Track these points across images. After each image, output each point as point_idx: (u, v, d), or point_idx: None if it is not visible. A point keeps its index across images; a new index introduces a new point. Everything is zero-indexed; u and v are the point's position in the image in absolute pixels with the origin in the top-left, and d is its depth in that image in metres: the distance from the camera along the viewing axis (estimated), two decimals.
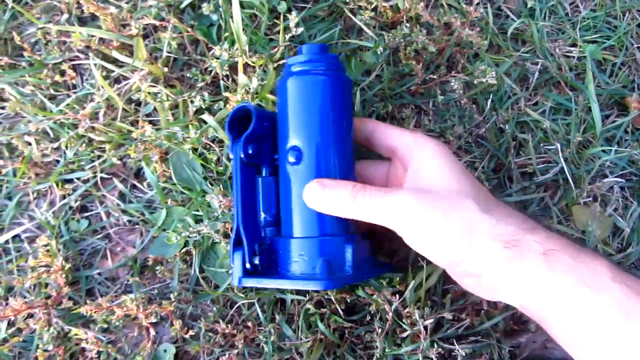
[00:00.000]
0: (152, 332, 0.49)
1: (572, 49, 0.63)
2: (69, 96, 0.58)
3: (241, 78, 0.53)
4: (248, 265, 0.41)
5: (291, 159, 0.41)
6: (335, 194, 0.39)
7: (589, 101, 0.58)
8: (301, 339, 0.50)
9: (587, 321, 0.32)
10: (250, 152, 0.43)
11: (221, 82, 0.56)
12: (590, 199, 0.56)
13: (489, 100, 0.58)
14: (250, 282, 0.40)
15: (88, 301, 0.52)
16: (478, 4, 0.54)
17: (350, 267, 0.40)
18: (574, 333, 0.33)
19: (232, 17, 0.57)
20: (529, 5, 0.64)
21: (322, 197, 0.39)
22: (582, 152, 0.57)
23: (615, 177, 0.57)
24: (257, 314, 0.51)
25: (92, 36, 0.56)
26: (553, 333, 0.36)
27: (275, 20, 0.59)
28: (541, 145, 0.57)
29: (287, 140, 0.42)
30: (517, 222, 0.37)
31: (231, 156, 0.44)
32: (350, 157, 0.44)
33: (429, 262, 0.51)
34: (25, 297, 0.52)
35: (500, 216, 0.37)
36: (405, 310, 0.49)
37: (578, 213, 0.54)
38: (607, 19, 0.65)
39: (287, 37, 0.54)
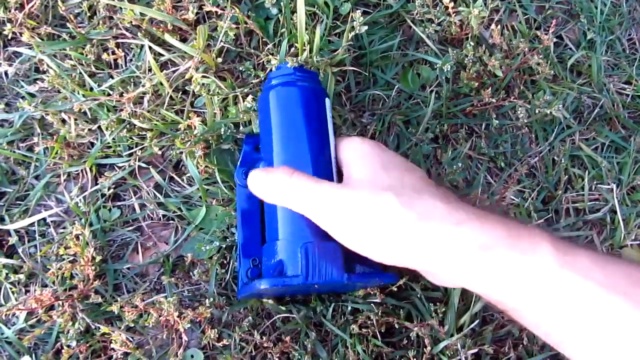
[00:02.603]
0: (185, 337, 0.46)
1: (626, 86, 0.62)
2: (110, 75, 0.54)
3: None
4: (245, 279, 0.44)
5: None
6: (274, 176, 0.37)
7: None
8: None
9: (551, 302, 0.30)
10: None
11: None
12: (637, 242, 0.55)
13: (545, 131, 0.56)
14: (245, 292, 0.41)
15: (116, 297, 0.49)
16: (549, 31, 0.52)
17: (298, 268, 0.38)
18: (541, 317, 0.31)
19: (293, 13, 0.54)
20: (588, 37, 0.63)
21: (262, 179, 0.38)
22: (632, 194, 0.57)
23: None
24: (291, 329, 0.49)
25: (144, 15, 0.53)
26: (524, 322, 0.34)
27: (336, 22, 0.56)
28: (594, 182, 0.56)
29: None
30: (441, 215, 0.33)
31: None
32: (323, 166, 0.42)
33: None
34: (46, 287, 0.49)
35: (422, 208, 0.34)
36: (448, 342, 0.47)
37: (628, 255, 0.53)
38: None
39: (350, 36, 0.52)
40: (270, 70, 0.49)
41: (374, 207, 0.33)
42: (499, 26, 0.54)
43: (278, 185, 0.37)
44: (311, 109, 0.43)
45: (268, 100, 0.44)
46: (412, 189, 0.35)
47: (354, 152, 0.40)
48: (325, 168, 0.42)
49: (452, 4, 0.53)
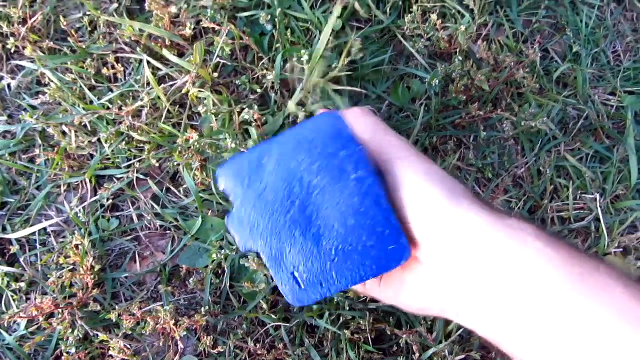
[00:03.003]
0: (181, 345, 0.48)
1: (610, 97, 0.64)
2: (109, 89, 0.56)
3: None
4: None
5: None
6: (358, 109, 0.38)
7: (628, 152, 0.59)
8: None
9: (581, 329, 0.25)
10: None
11: (272, 95, 0.55)
12: (621, 249, 0.57)
13: (532, 142, 0.58)
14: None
15: (114, 305, 0.51)
16: (535, 45, 0.54)
17: None
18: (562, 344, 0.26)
19: (287, 29, 0.56)
20: (574, 50, 0.64)
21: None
22: (616, 203, 0.58)
23: None
24: (286, 336, 0.51)
25: (143, 31, 0.54)
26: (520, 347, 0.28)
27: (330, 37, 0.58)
28: (578, 191, 0.58)
29: None
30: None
31: None
32: None
33: None
34: (46, 295, 0.50)
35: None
36: (436, 350, 0.49)
37: (613, 263, 0.54)
38: None
39: (347, 60, 0.54)
40: None
41: (422, 161, 0.34)
42: (485, 42, 0.56)
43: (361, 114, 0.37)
44: None
45: None
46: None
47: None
48: None
49: (440, 21, 0.55)
